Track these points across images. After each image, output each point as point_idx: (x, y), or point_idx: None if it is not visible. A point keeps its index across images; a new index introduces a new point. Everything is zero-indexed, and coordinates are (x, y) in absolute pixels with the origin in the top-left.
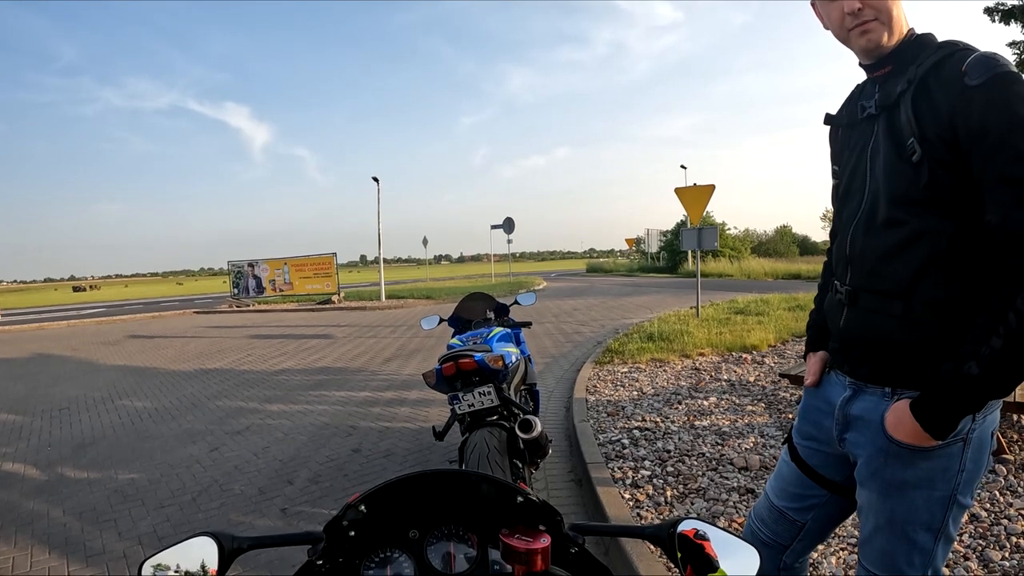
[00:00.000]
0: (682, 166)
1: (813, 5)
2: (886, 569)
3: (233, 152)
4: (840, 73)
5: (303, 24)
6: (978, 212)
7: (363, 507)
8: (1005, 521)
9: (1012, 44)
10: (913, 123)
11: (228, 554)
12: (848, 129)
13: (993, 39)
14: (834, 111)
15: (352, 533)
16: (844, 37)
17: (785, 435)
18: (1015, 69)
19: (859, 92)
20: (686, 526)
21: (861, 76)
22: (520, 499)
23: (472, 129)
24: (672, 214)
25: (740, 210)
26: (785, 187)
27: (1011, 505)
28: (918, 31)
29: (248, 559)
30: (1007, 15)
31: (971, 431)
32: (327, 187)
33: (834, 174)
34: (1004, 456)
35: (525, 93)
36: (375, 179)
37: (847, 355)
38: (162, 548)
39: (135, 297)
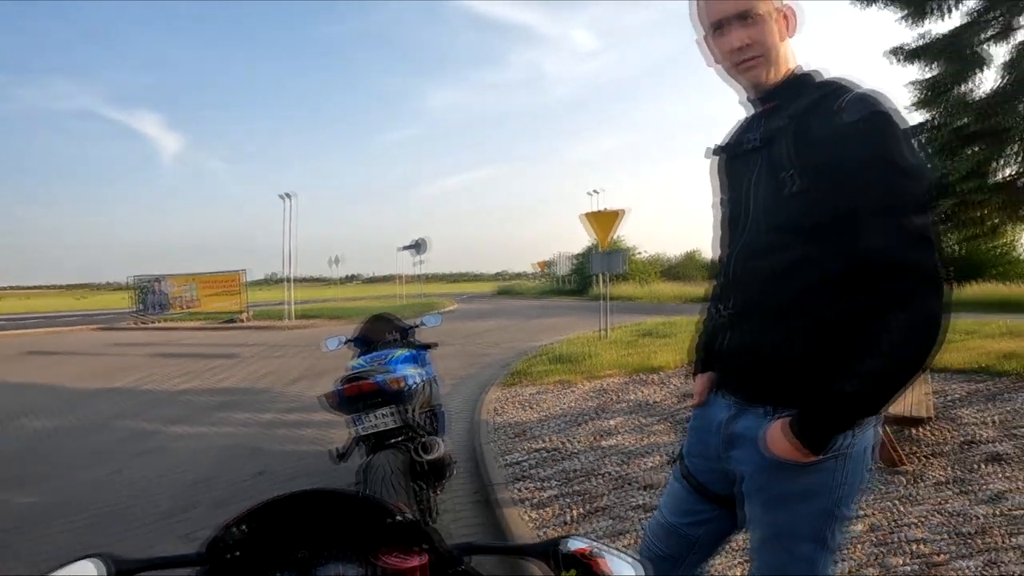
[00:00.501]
0: (593, 190)
1: (701, 41)
2: None
3: (144, 161)
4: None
5: (224, 31)
6: (851, 240)
7: (243, 527)
8: (903, 529)
9: (912, 83)
10: (792, 156)
11: None
12: (732, 161)
13: (895, 79)
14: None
15: (236, 553)
16: (730, 72)
17: (677, 453)
18: (889, 108)
19: (745, 126)
20: (573, 544)
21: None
22: (397, 518)
23: (391, 146)
24: (584, 237)
25: (651, 234)
26: (696, 211)
27: (909, 513)
28: (804, 69)
29: None
30: (910, 55)
31: (849, 446)
32: (240, 200)
33: (719, 204)
34: (901, 467)
35: (445, 112)
36: (287, 196)
37: (730, 376)
38: (45, 572)
39: (35, 310)
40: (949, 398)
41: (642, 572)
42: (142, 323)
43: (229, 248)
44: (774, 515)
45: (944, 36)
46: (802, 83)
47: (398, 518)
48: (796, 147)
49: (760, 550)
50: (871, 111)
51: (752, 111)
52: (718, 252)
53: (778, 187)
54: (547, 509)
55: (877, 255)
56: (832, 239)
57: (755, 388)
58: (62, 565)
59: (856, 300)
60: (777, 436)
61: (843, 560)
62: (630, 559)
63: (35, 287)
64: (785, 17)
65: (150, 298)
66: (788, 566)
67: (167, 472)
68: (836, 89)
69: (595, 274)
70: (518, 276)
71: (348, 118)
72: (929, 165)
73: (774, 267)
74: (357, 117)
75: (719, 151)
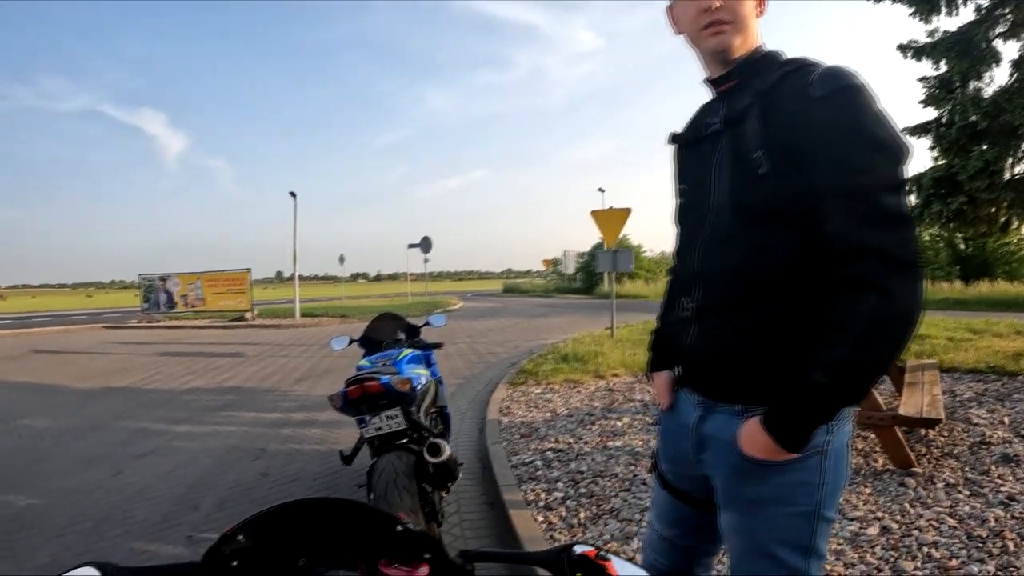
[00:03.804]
0: (600, 189)
1: (668, 10)
2: None
3: (148, 160)
4: None
5: (225, 34)
6: (819, 224)
7: (240, 537)
8: (916, 532)
9: (923, 79)
10: (759, 136)
11: None
12: (693, 146)
13: (906, 74)
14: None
15: (235, 563)
16: (695, 37)
17: (652, 461)
18: (862, 82)
19: (705, 110)
20: (584, 548)
21: None
22: (399, 528)
23: (390, 147)
24: (590, 236)
25: (657, 233)
26: None
27: (921, 516)
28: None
29: None
30: (919, 52)
31: (827, 443)
32: (243, 200)
33: (678, 193)
34: (913, 469)
35: (444, 114)
36: (292, 194)
37: (696, 373)
38: None
39: (42, 309)
40: (959, 398)
41: None
42: (148, 321)
43: (233, 247)
44: (751, 521)
45: (953, 33)
46: (767, 60)
47: (400, 528)
48: (764, 125)
49: (741, 562)
50: (841, 85)
51: (712, 94)
52: (679, 243)
53: (744, 170)
54: (555, 511)
55: (843, 237)
56: (803, 223)
57: (724, 385)
58: (60, 573)
59: (826, 287)
60: (753, 435)
61: (856, 564)
62: (636, 569)
63: (43, 286)
64: None
65: (156, 296)
66: None
67: (168, 474)
68: (803, 65)
69: (602, 272)
70: (525, 274)
71: (345, 119)
72: (903, 141)
73: (742, 256)
74: (354, 118)
75: (677, 138)
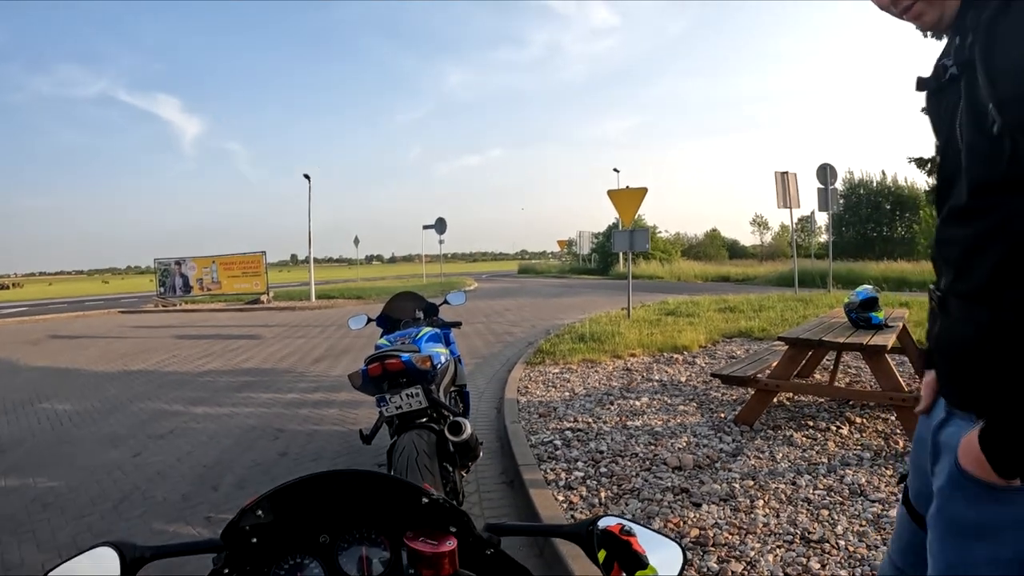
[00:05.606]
0: (615, 169)
1: None
2: None
3: (163, 145)
4: (774, 81)
5: (239, 17)
6: None
7: (260, 512)
8: None
9: None
10: (987, 83)
11: (130, 564)
12: (936, 95)
13: None
14: (815, 106)
15: (255, 539)
16: (900, 16)
17: (901, 473)
18: None
19: (946, 48)
20: (608, 522)
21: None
22: (425, 500)
23: (407, 127)
24: (604, 216)
25: (671, 213)
26: (715, 191)
27: None
28: None
29: (172, 568)
30: None
31: None
32: (258, 183)
33: (936, 152)
34: None
35: (461, 92)
36: (306, 176)
37: (940, 373)
38: (62, 560)
39: (59, 296)
40: None
41: (678, 551)
42: (165, 305)
43: (248, 230)
44: (947, 546)
45: None
46: None
47: (426, 499)
48: (988, 70)
49: None
50: None
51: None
52: (936, 218)
53: (977, 127)
54: (576, 491)
55: None
56: None
57: (959, 389)
58: (79, 552)
59: None
60: (970, 444)
61: (879, 546)
62: (665, 538)
63: (59, 273)
64: None
65: (172, 280)
66: None
67: (187, 454)
68: None
69: (618, 252)
70: (539, 255)
71: (361, 99)
72: None
73: (975, 234)
74: (371, 98)
75: (922, 84)
